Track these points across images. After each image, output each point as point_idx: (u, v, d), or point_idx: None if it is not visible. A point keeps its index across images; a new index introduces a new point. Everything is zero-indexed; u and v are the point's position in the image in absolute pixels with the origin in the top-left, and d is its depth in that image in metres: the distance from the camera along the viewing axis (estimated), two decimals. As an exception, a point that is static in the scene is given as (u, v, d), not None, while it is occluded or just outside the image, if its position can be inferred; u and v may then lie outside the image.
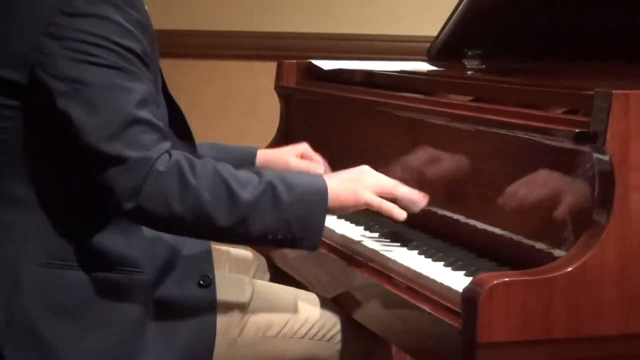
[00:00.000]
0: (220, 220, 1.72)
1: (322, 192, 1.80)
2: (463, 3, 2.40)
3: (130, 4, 1.73)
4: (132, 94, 1.70)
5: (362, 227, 2.02)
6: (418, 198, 1.86)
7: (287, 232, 1.77)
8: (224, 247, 2.12)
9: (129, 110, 1.69)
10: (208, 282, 1.85)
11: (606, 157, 1.51)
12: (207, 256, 1.88)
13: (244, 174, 1.77)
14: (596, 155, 1.53)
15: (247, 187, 1.74)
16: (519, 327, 1.47)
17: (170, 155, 1.70)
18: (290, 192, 1.76)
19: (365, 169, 1.88)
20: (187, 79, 3.77)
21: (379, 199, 1.84)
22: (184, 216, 1.70)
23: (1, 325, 1.72)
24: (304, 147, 2.25)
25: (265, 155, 2.26)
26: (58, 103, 1.68)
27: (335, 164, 2.33)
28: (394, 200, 1.86)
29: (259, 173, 1.79)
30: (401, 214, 1.83)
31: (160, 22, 1.81)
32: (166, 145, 1.72)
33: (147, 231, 1.81)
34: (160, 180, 1.68)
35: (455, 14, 2.43)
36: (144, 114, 1.70)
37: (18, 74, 1.71)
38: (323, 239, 1.94)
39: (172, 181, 1.69)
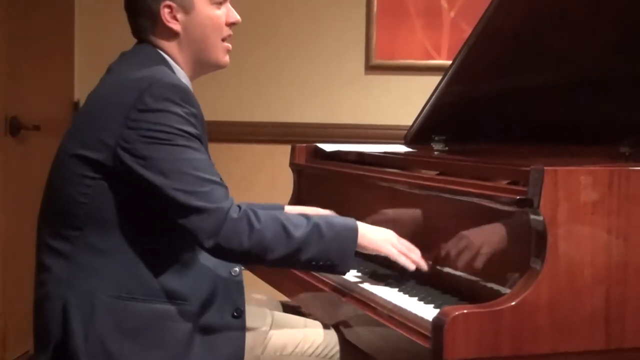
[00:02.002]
0: (279, 252, 1.75)
1: (354, 230, 1.83)
2: (430, 101, 2.41)
3: (186, 101, 1.75)
4: (197, 162, 1.73)
5: (355, 270, 1.99)
6: (421, 263, 1.86)
7: (326, 260, 1.79)
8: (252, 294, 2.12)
9: (198, 174, 1.72)
10: (239, 314, 1.84)
11: (540, 218, 1.51)
12: (240, 292, 1.87)
13: (297, 217, 1.81)
14: (532, 216, 1.53)
15: (299, 227, 1.77)
16: (475, 348, 1.46)
17: (239, 206, 1.74)
18: (330, 230, 1.79)
19: (391, 232, 1.89)
20: (222, 158, 3.77)
21: (398, 253, 1.84)
22: (250, 250, 1.73)
23: (80, 343, 1.71)
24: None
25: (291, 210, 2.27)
26: (142, 175, 1.70)
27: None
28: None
29: (307, 216, 1.82)
30: (411, 267, 1.84)
31: (204, 114, 1.83)
32: (232, 198, 1.76)
33: (194, 273, 1.81)
34: (235, 224, 1.71)
35: (425, 110, 2.44)
36: (209, 175, 1.74)
37: (102, 155, 1.72)
38: (326, 280, 1.94)
39: (243, 225, 1.72)
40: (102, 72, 1.94)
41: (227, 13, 1.92)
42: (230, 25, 1.93)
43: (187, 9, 1.87)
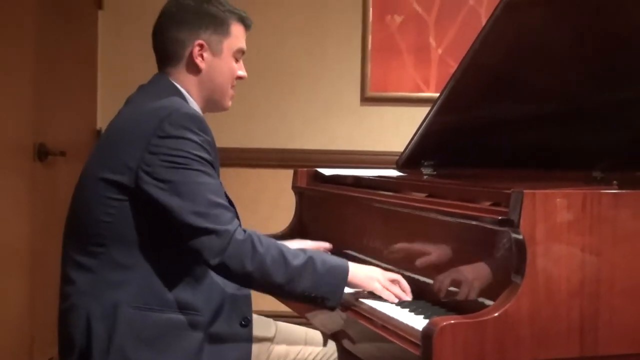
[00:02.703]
0: (276, 278, 1.74)
1: (345, 270, 1.81)
2: (420, 130, 2.41)
3: (202, 129, 1.77)
4: (209, 187, 1.74)
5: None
6: (402, 295, 1.85)
7: (317, 292, 1.78)
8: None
9: (210, 198, 1.73)
10: (247, 323, 1.84)
11: (520, 236, 1.51)
12: (247, 303, 1.87)
13: (294, 250, 1.80)
14: (513, 235, 1.53)
15: (296, 258, 1.76)
16: (461, 355, 1.46)
17: (244, 230, 1.74)
18: (323, 266, 1.78)
19: (378, 269, 1.88)
20: (231, 181, 3.77)
21: (382, 288, 1.83)
22: (252, 273, 1.73)
23: (102, 351, 1.71)
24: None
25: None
26: (159, 197, 1.71)
27: (333, 241, 2.32)
28: None
29: (304, 250, 1.81)
30: (393, 300, 1.82)
31: (217, 141, 1.85)
32: (237, 221, 1.76)
33: (206, 286, 1.81)
34: (239, 245, 1.72)
35: (415, 137, 2.45)
36: (219, 199, 1.75)
37: (126, 178, 1.73)
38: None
39: (247, 247, 1.72)
40: (121, 103, 1.95)
41: (240, 68, 1.97)
42: (238, 78, 1.97)
43: (215, 53, 1.91)
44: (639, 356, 1.57)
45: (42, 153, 3.45)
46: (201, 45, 1.89)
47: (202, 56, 1.90)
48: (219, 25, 1.91)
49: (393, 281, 1.86)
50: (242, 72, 1.97)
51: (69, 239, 1.84)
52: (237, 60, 1.95)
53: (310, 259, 1.78)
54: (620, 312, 1.56)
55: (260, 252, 1.73)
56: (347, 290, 1.85)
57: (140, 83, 1.96)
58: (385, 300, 1.83)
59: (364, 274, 1.85)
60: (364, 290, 1.89)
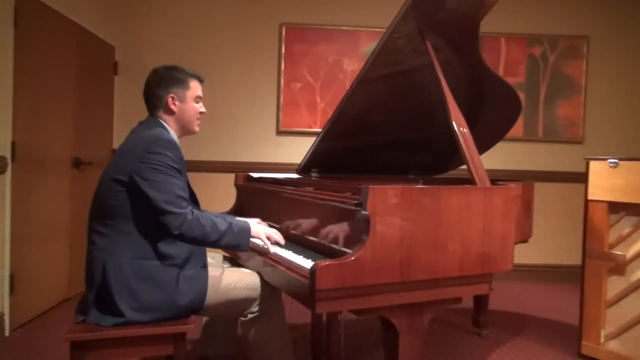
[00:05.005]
0: (212, 238, 1.72)
1: (249, 229, 1.82)
2: (310, 151, 2.42)
3: (175, 149, 1.74)
4: (176, 185, 1.69)
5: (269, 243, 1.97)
6: (279, 240, 1.85)
7: (235, 242, 1.77)
8: (210, 251, 2.06)
9: (176, 192, 1.68)
10: (204, 266, 1.81)
11: (366, 213, 1.53)
12: (204, 254, 1.84)
13: (221, 220, 1.77)
14: (362, 212, 1.55)
15: (222, 225, 1.75)
16: (332, 282, 1.47)
17: (192, 211, 1.70)
18: (237, 227, 1.78)
19: (265, 227, 1.87)
20: (198, 182, 3.70)
21: (265, 239, 1.84)
22: (198, 237, 1.70)
23: (114, 284, 1.65)
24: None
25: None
26: (144, 189, 1.66)
27: (259, 216, 2.30)
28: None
29: (225, 218, 1.79)
30: (270, 249, 1.82)
31: (188, 155, 1.79)
32: (190, 207, 1.72)
33: (179, 243, 1.76)
34: (190, 222, 1.69)
35: (307, 155, 2.45)
36: (181, 193, 1.70)
37: (126, 177, 1.68)
38: (252, 247, 1.91)
39: (194, 223, 1.69)
40: (128, 132, 1.87)
41: (201, 107, 1.92)
42: (200, 113, 1.92)
43: (182, 100, 1.86)
44: (433, 280, 1.62)
45: (77, 163, 3.30)
46: (172, 97, 1.85)
47: (174, 104, 1.85)
48: (181, 83, 1.86)
49: (273, 233, 1.87)
50: (202, 109, 1.92)
51: (92, 216, 1.76)
52: (197, 102, 1.90)
53: (230, 225, 1.77)
54: (422, 255, 1.60)
55: (202, 224, 1.71)
56: (256, 241, 1.85)
57: (139, 120, 1.89)
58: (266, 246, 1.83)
59: (256, 230, 1.85)
60: (275, 244, 1.88)
